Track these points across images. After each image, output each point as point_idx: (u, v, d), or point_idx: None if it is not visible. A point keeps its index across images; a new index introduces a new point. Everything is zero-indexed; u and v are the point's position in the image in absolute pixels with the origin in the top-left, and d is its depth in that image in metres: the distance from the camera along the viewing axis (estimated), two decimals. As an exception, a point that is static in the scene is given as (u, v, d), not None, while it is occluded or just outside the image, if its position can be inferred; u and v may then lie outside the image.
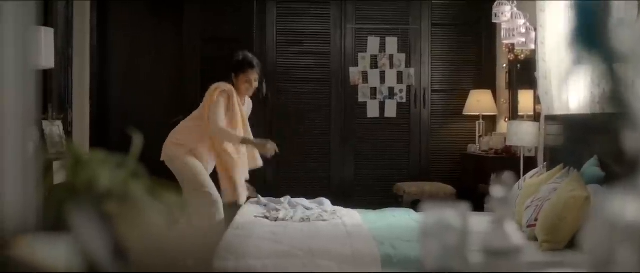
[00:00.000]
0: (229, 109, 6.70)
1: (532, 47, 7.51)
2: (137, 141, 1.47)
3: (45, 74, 6.96)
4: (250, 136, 6.88)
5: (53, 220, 1.30)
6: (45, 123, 6.69)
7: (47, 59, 6.09)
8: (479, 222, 2.26)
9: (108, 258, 1.33)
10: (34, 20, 1.21)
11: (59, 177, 1.48)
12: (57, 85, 7.61)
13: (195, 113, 6.81)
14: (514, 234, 1.55)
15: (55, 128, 6.85)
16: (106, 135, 9.25)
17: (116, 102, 9.50)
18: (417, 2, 9.76)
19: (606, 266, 1.31)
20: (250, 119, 7.08)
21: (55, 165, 4.94)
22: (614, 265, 1.31)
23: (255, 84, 6.96)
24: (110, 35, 9.54)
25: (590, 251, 1.34)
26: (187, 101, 8.49)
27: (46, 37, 6.08)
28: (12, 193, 1.12)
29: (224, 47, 9.40)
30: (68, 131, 7.68)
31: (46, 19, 7.25)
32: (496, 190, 1.59)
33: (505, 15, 7.58)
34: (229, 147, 6.70)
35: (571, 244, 4.97)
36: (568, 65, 6.88)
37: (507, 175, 1.60)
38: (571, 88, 6.77)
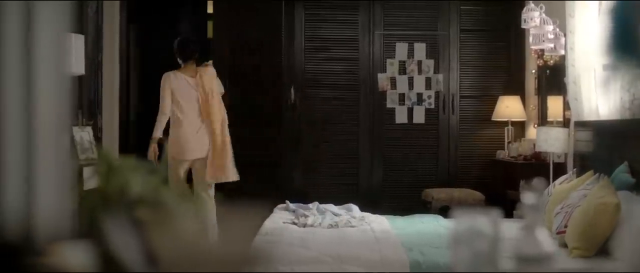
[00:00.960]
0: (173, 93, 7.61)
1: (562, 52, 7.46)
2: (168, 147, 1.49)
3: (75, 80, 7.00)
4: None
5: (85, 226, 1.31)
6: (75, 129, 6.73)
7: (77, 66, 6.13)
8: (508, 229, 2.26)
9: (139, 265, 1.34)
10: (68, 27, 1.22)
11: (89, 184, 1.49)
12: (87, 91, 7.65)
13: None
14: (545, 241, 1.55)
15: (85, 134, 6.89)
16: (136, 141, 9.30)
17: (145, 108, 9.55)
18: (446, 8, 9.73)
19: (637, 271, 1.30)
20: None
21: (85, 171, 4.96)
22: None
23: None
24: (139, 41, 9.60)
25: (622, 257, 1.33)
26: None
27: (77, 44, 6.12)
28: (46, 200, 1.13)
29: (253, 54, 9.44)
30: (98, 137, 7.72)
31: (76, 25, 7.30)
32: (527, 196, 1.58)
33: (534, 20, 7.54)
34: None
35: (601, 251, 4.94)
36: (598, 71, 6.84)
37: (538, 181, 1.60)
38: (601, 94, 6.73)
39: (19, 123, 1.09)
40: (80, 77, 7.08)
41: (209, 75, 7.68)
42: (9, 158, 1.08)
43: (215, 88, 7.68)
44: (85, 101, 7.60)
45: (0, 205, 1.06)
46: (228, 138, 7.61)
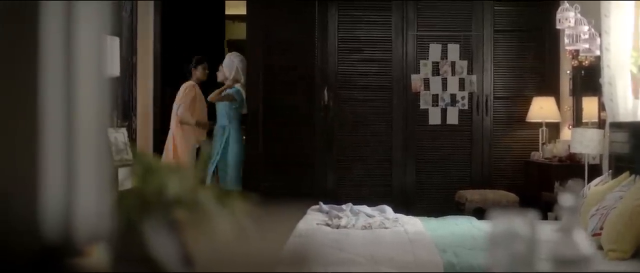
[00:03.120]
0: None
1: (597, 53, 7.40)
2: (206, 149, 1.49)
3: (111, 81, 7.07)
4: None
5: (123, 227, 1.32)
6: (110, 130, 6.78)
7: (113, 67, 6.19)
8: (544, 230, 2.24)
9: (176, 266, 1.35)
10: (108, 28, 1.23)
11: (124, 185, 1.50)
12: (121, 92, 7.71)
13: None
14: (583, 243, 1.54)
15: (120, 135, 6.94)
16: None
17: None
18: (480, 9, 9.70)
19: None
20: None
21: (120, 172, 5.00)
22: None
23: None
24: (173, 43, 9.65)
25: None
26: (250, 107, 8.54)
27: (112, 46, 6.17)
28: (86, 201, 1.14)
29: (286, 54, 9.46)
30: (132, 138, 7.78)
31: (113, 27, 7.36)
32: (564, 198, 1.57)
33: (569, 21, 7.48)
34: None
35: (638, 253, 4.90)
36: (634, 72, 6.79)
37: (574, 182, 1.59)
38: (637, 94, 6.68)
39: (60, 123, 1.10)
40: (115, 79, 7.13)
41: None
42: (49, 158, 1.09)
43: (178, 101, 9.34)
44: (120, 103, 7.66)
45: (41, 206, 1.07)
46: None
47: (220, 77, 9.79)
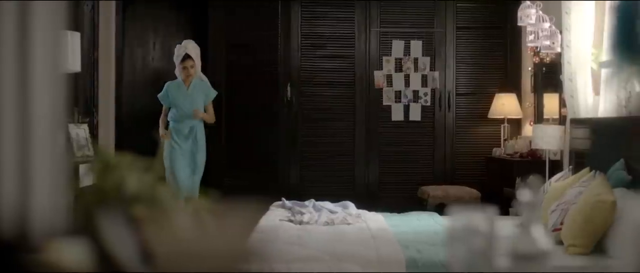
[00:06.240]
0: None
1: (558, 50, 7.46)
2: (164, 145, 1.48)
3: (71, 77, 7.00)
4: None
5: (80, 223, 1.31)
6: (71, 126, 6.72)
7: (73, 63, 6.12)
8: (504, 226, 2.26)
9: (135, 263, 1.34)
10: (64, 24, 1.22)
11: (85, 181, 1.49)
12: (83, 88, 7.65)
13: None
14: (542, 238, 1.55)
15: (81, 131, 6.88)
16: (132, 138, 9.29)
17: (141, 106, 9.53)
18: (442, 5, 9.74)
19: (636, 269, 1.30)
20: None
21: (82, 168, 4.95)
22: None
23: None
24: (135, 39, 9.58)
25: (619, 254, 1.33)
26: (213, 105, 8.49)
27: (73, 41, 6.11)
28: (41, 196, 1.13)
29: (249, 52, 9.45)
30: (94, 134, 7.72)
31: (72, 22, 7.29)
32: (523, 194, 1.58)
33: (530, 18, 7.54)
34: None
35: (598, 248, 4.95)
36: (594, 69, 6.85)
37: (534, 178, 1.60)
38: (598, 91, 6.74)
39: (14, 120, 1.09)
40: (76, 74, 7.07)
41: None
42: (4, 155, 1.08)
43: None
44: (82, 98, 7.60)
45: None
46: None
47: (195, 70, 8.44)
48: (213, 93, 8.44)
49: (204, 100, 8.37)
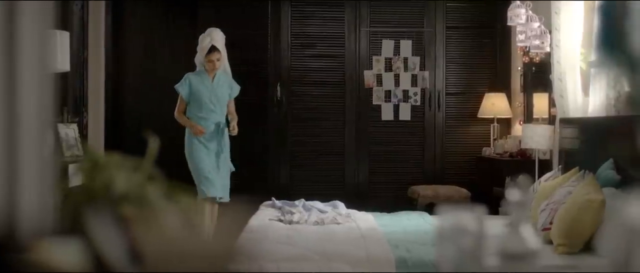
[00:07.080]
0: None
1: (547, 49, 7.48)
2: (153, 144, 1.48)
3: (60, 77, 6.98)
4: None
5: (69, 223, 1.30)
6: (60, 126, 6.71)
7: (62, 62, 6.11)
8: (493, 225, 2.26)
9: (124, 262, 1.33)
10: (51, 23, 1.21)
11: (74, 180, 1.49)
12: (72, 88, 7.63)
13: None
14: (530, 238, 1.55)
15: (70, 131, 6.87)
16: (121, 137, 9.27)
17: (131, 105, 9.52)
18: (432, 5, 9.75)
19: (623, 269, 1.31)
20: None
21: (71, 168, 4.94)
22: (631, 268, 1.31)
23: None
24: (125, 38, 9.57)
25: (607, 254, 1.34)
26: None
27: (62, 40, 6.10)
28: (29, 196, 1.13)
29: (239, 51, 9.43)
30: (83, 134, 7.70)
31: (61, 22, 7.27)
32: (512, 193, 1.58)
33: (520, 18, 7.56)
34: None
35: (586, 247, 4.96)
36: (583, 68, 6.87)
37: (523, 177, 1.60)
38: (587, 91, 6.76)
39: (2, 119, 1.09)
40: (65, 74, 7.05)
41: None
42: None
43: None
44: (71, 98, 7.58)
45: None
46: None
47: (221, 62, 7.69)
48: (237, 88, 7.68)
49: (230, 95, 7.64)
